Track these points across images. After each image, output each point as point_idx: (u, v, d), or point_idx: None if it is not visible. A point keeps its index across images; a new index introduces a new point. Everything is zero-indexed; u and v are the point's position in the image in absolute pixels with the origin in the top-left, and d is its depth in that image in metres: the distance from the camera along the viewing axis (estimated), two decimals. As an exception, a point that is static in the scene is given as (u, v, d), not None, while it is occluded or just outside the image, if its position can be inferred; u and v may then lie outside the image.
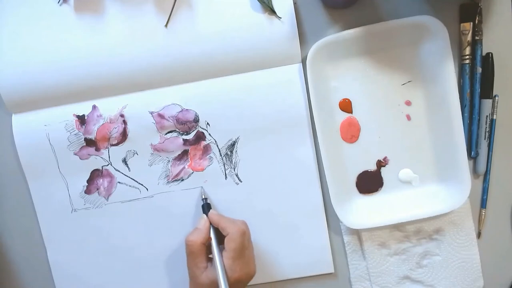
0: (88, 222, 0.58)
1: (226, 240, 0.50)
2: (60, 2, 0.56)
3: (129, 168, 0.57)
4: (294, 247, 0.57)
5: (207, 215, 0.53)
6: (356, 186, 0.56)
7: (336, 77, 0.55)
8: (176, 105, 0.56)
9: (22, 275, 0.61)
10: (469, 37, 0.53)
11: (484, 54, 0.53)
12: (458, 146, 0.52)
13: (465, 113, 0.54)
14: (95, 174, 0.58)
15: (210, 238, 0.51)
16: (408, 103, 0.55)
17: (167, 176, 0.57)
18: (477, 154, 0.55)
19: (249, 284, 0.58)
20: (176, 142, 0.57)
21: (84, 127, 0.57)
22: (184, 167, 0.57)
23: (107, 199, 0.58)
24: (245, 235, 0.50)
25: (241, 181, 0.57)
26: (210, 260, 0.51)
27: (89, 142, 0.57)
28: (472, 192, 0.53)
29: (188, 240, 0.50)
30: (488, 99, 0.54)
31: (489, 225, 0.56)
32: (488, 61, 0.53)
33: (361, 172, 0.56)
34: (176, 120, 0.56)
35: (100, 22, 0.55)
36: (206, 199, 0.56)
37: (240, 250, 0.49)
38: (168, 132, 0.57)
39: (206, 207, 0.55)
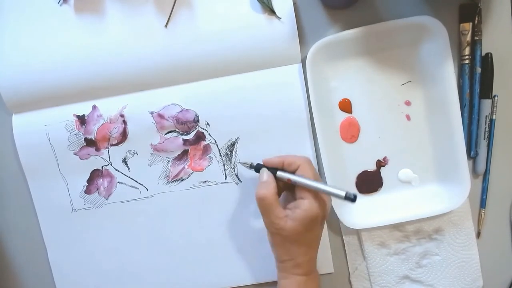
0: (88, 222, 0.58)
1: (301, 171, 0.48)
2: (60, 2, 0.56)
3: (129, 168, 0.57)
4: (294, 247, 0.57)
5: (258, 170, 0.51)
6: (356, 186, 0.56)
7: (336, 77, 0.55)
8: (176, 105, 0.56)
9: (23, 274, 0.61)
10: (468, 37, 0.53)
11: (483, 54, 0.53)
12: (458, 146, 0.52)
13: (465, 113, 0.54)
14: (95, 174, 0.58)
15: (280, 183, 0.49)
16: (407, 103, 0.55)
17: (167, 176, 0.57)
18: (476, 154, 0.55)
19: (249, 284, 0.58)
20: (176, 142, 0.57)
21: (84, 127, 0.57)
22: (184, 167, 0.57)
23: (107, 199, 0.58)
24: (312, 164, 0.50)
25: (241, 181, 0.57)
26: (285, 208, 0.49)
27: (89, 142, 0.57)
28: (472, 192, 0.53)
29: (260, 195, 0.47)
30: (487, 99, 0.54)
31: (488, 225, 0.56)
32: (487, 61, 0.53)
33: (360, 172, 0.56)
34: (176, 120, 0.56)
35: (100, 22, 0.55)
36: (252, 163, 0.53)
37: (316, 174, 0.49)
38: (168, 132, 0.57)
39: (259, 166, 0.52)
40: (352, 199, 0.45)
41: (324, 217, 0.49)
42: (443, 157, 0.54)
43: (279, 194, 0.50)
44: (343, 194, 0.46)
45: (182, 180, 0.57)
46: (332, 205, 0.54)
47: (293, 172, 0.49)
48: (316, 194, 0.48)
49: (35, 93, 0.56)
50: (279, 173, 0.50)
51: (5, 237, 0.60)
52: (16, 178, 0.59)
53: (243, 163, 0.53)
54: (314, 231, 0.49)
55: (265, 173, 0.50)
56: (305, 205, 0.47)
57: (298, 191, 0.48)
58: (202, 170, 0.57)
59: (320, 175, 0.55)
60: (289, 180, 0.48)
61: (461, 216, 0.55)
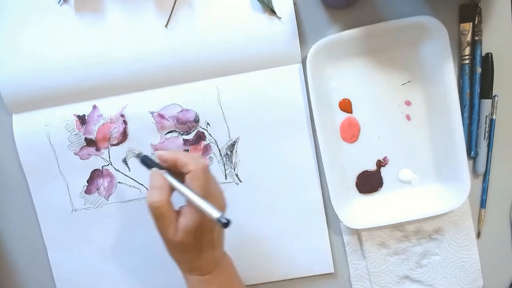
0: (88, 222, 0.58)
1: (189, 178, 0.43)
2: (60, 2, 0.56)
3: (129, 168, 0.57)
4: (294, 247, 0.57)
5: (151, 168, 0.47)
6: (356, 186, 0.56)
7: (336, 77, 0.55)
8: (176, 105, 0.56)
9: (23, 274, 0.61)
10: (468, 37, 0.53)
11: (483, 54, 0.53)
12: (458, 146, 0.53)
13: (465, 113, 0.54)
14: (95, 174, 0.58)
15: (172, 189, 0.45)
16: (408, 103, 0.55)
17: (167, 176, 0.57)
18: (476, 154, 0.55)
19: (249, 284, 0.58)
20: (176, 142, 0.57)
21: (84, 127, 0.57)
22: (184, 167, 0.57)
23: (107, 199, 0.58)
24: (207, 170, 0.44)
25: (241, 181, 0.57)
26: (178, 214, 0.45)
27: (90, 142, 0.57)
28: (472, 192, 0.53)
29: (154, 203, 0.43)
30: (487, 99, 0.54)
31: (488, 225, 0.56)
32: (487, 61, 0.53)
33: (361, 172, 0.56)
34: (177, 120, 0.56)
35: (101, 22, 0.55)
36: (140, 153, 0.49)
37: (206, 186, 0.44)
38: (168, 132, 0.57)
39: (148, 161, 0.48)
40: (224, 223, 0.41)
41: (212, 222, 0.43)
42: (443, 157, 0.54)
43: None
44: (216, 216, 0.42)
45: (182, 180, 0.57)
46: (332, 205, 0.54)
47: (182, 175, 0.44)
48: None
49: (35, 93, 0.56)
50: (165, 176, 0.45)
51: (5, 237, 0.60)
52: (16, 178, 0.59)
53: (131, 150, 0.50)
54: (204, 237, 0.45)
55: (157, 176, 0.45)
56: (187, 215, 0.44)
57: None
58: (202, 170, 0.57)
59: (320, 175, 0.56)
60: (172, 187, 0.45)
61: (461, 216, 0.55)
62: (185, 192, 0.43)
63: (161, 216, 0.44)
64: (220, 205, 0.46)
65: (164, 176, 0.45)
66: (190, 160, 0.44)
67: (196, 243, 0.45)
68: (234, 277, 0.50)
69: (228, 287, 0.49)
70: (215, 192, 0.46)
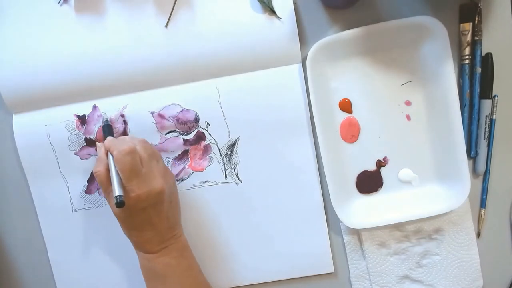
0: (88, 222, 0.59)
1: (114, 161, 0.48)
2: (60, 2, 0.56)
3: (129, 168, 0.57)
4: (294, 247, 0.57)
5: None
6: (356, 186, 0.56)
7: (336, 77, 0.55)
8: (177, 105, 0.56)
9: (23, 274, 0.61)
10: (468, 37, 0.53)
11: (483, 54, 0.53)
12: (458, 146, 0.53)
13: (465, 113, 0.54)
14: (96, 174, 0.58)
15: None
16: (408, 103, 0.55)
17: (168, 176, 0.57)
18: (476, 154, 0.55)
19: (249, 284, 0.58)
20: (177, 142, 0.57)
21: (84, 127, 0.57)
22: (184, 167, 0.57)
23: (108, 199, 0.58)
24: (134, 153, 0.48)
25: (241, 181, 0.57)
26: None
27: (90, 142, 0.57)
28: (472, 192, 0.53)
29: (94, 172, 0.49)
30: (487, 99, 0.54)
31: (488, 225, 0.56)
32: (487, 61, 0.53)
33: (361, 172, 0.56)
34: (177, 120, 0.56)
35: (101, 22, 0.55)
36: (107, 121, 0.55)
37: (130, 169, 0.47)
38: (169, 132, 0.57)
39: (107, 129, 0.55)
40: (116, 203, 0.46)
41: (139, 201, 0.48)
42: (443, 157, 0.54)
43: None
44: (115, 194, 0.47)
45: (183, 180, 0.57)
46: (332, 205, 0.54)
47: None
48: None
49: (35, 93, 0.56)
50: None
51: (5, 237, 0.60)
52: (16, 178, 0.59)
53: (104, 115, 0.56)
54: (136, 216, 0.49)
55: (101, 148, 0.51)
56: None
57: None
58: (202, 170, 0.57)
59: (320, 175, 0.56)
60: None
61: (461, 216, 0.55)
62: (111, 170, 0.49)
63: (101, 184, 0.49)
64: (151, 186, 0.48)
65: (104, 149, 0.51)
66: (116, 146, 0.49)
67: (130, 219, 0.49)
68: (183, 262, 0.52)
69: (174, 271, 0.51)
70: (146, 175, 0.48)
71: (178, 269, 0.51)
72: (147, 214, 0.49)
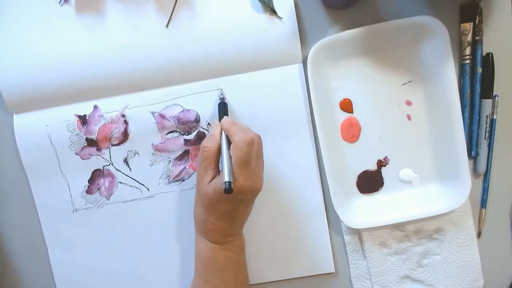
0: (89, 222, 0.59)
1: (231, 147, 0.48)
2: (61, 3, 0.56)
3: (130, 168, 0.58)
4: (295, 247, 0.57)
5: (220, 119, 0.52)
6: (357, 186, 0.56)
7: (337, 77, 0.55)
8: (177, 105, 0.56)
9: (24, 274, 0.61)
10: (469, 37, 0.53)
11: (484, 54, 0.54)
12: (458, 146, 0.53)
13: (465, 113, 0.54)
14: (96, 174, 0.58)
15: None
16: (408, 103, 0.55)
17: (168, 176, 0.57)
18: (477, 154, 0.55)
19: (250, 284, 0.58)
20: (177, 142, 0.57)
21: (85, 127, 0.57)
22: (185, 167, 0.57)
23: (108, 199, 0.58)
24: (252, 145, 0.48)
25: (242, 181, 0.57)
26: (219, 171, 0.50)
27: (91, 142, 0.57)
28: (472, 192, 0.53)
29: (204, 146, 0.49)
30: (488, 99, 0.54)
31: (489, 224, 0.56)
32: (488, 61, 0.53)
33: (361, 172, 0.56)
34: (177, 120, 0.56)
35: (101, 22, 0.55)
36: (223, 99, 0.54)
37: (244, 159, 0.47)
38: (169, 132, 0.57)
39: (223, 107, 0.53)
40: (225, 188, 0.45)
41: (240, 192, 0.47)
42: (444, 157, 0.54)
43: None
44: (225, 180, 0.45)
45: (183, 180, 0.57)
46: (333, 205, 0.54)
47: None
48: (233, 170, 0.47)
49: (36, 93, 0.56)
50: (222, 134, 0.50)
51: (6, 237, 0.60)
52: (17, 178, 0.59)
53: (221, 93, 0.55)
54: (225, 204, 0.48)
55: (215, 127, 0.51)
56: (219, 177, 0.48)
57: None
58: (203, 170, 0.57)
59: (320, 175, 0.56)
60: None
61: (462, 216, 0.55)
62: (223, 153, 0.48)
63: (204, 159, 0.49)
64: (255, 182, 0.48)
65: (220, 129, 0.50)
66: (238, 132, 0.48)
67: (219, 205, 0.48)
68: (241, 259, 0.53)
69: (233, 265, 0.52)
70: (255, 170, 0.48)
71: (237, 264, 0.52)
72: (237, 206, 0.49)
